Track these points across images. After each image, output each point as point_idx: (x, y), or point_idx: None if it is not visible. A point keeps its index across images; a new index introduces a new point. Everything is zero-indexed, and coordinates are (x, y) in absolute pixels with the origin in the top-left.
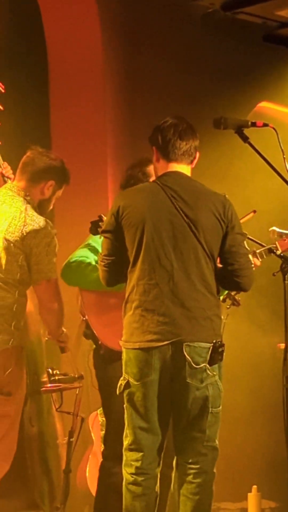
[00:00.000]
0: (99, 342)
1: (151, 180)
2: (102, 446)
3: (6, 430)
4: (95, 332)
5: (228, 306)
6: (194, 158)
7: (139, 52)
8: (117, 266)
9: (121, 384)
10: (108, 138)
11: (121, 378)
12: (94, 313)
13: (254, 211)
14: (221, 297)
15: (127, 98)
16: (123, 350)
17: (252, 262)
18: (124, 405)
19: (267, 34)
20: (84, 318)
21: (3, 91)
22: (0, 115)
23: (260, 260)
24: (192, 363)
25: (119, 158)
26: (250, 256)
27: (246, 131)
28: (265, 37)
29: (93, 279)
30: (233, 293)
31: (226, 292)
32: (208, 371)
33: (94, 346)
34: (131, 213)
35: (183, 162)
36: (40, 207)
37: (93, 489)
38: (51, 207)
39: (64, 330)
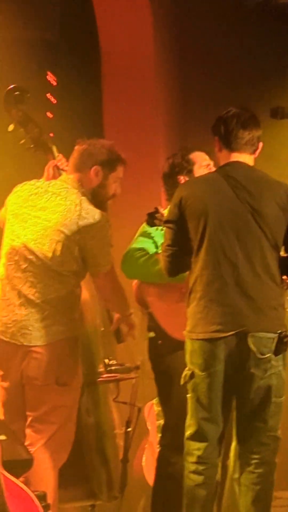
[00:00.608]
0: (163, 333)
1: (195, 167)
2: (159, 435)
3: (64, 421)
4: (160, 323)
5: None
6: (257, 148)
7: (192, 40)
8: (180, 256)
9: (185, 375)
10: (161, 128)
11: (186, 369)
12: (157, 305)
13: None
14: None
15: (180, 87)
16: (187, 340)
17: None
18: (188, 396)
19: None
20: (147, 311)
21: (55, 83)
22: (53, 108)
23: None
24: (257, 354)
25: (172, 148)
26: None
27: None
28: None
29: (156, 272)
30: None
31: None
32: (272, 361)
33: (150, 336)
34: (194, 203)
35: (246, 152)
36: (96, 196)
37: (149, 479)
38: (112, 192)
39: (132, 311)
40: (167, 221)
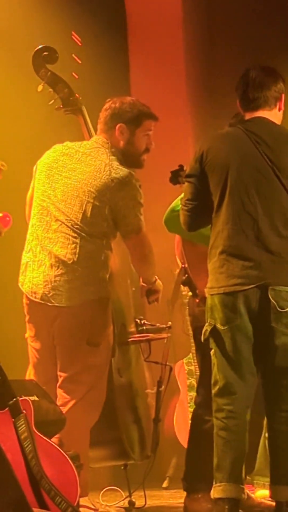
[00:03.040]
0: (196, 290)
1: None
2: (190, 394)
3: (95, 381)
4: (193, 279)
5: None
6: (279, 100)
7: (219, 15)
8: (200, 210)
9: (206, 330)
10: (187, 87)
11: (206, 324)
12: (192, 262)
13: None
14: None
15: (206, 47)
16: (208, 296)
17: None
18: (211, 351)
19: None
20: (183, 266)
21: (80, 44)
22: (78, 68)
23: None
24: (277, 307)
25: (199, 106)
26: None
27: None
28: None
29: (199, 232)
30: None
31: None
32: None
33: (190, 294)
34: (215, 158)
35: (264, 108)
36: (126, 154)
37: (180, 438)
38: (143, 147)
39: (157, 278)
40: (188, 175)
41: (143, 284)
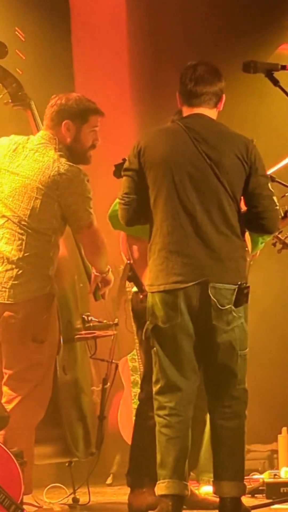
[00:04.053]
0: (142, 286)
1: None
2: (133, 390)
3: (40, 378)
4: (138, 275)
5: (278, 250)
6: (219, 100)
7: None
8: (137, 205)
9: (147, 329)
10: (131, 82)
11: (147, 323)
12: (138, 257)
13: None
14: (266, 239)
15: (149, 43)
16: (148, 295)
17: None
18: (153, 350)
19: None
20: (129, 262)
21: (23, 40)
22: (22, 64)
23: None
24: (218, 305)
25: (142, 101)
26: (275, 198)
27: (276, 75)
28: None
29: (143, 228)
30: (282, 236)
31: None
32: (233, 313)
33: (134, 290)
34: (153, 153)
35: (205, 105)
36: (73, 150)
37: (124, 434)
38: (89, 143)
39: (110, 268)
40: (125, 169)
41: (96, 274)
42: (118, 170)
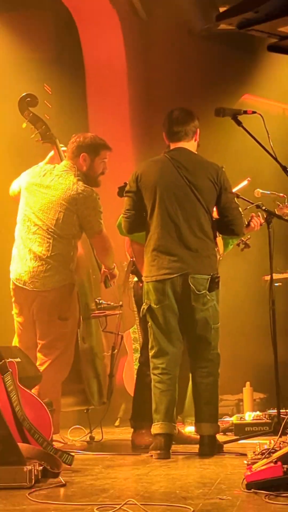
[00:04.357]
0: (142, 277)
1: None
2: (135, 355)
3: (65, 346)
4: (139, 269)
5: (241, 249)
6: (195, 134)
7: (156, 58)
8: (136, 218)
9: (143, 308)
10: (131, 125)
11: (143, 304)
12: (139, 256)
13: (249, 179)
14: (235, 242)
15: (144, 92)
16: (144, 283)
17: (256, 222)
18: (148, 324)
19: (270, 45)
20: (132, 259)
21: (49, 93)
22: (49, 111)
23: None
24: (196, 291)
25: (139, 137)
26: (240, 209)
27: (240, 118)
28: (269, 47)
29: (141, 235)
30: (244, 238)
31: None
32: (208, 297)
33: (135, 280)
34: (146, 179)
35: (184, 140)
36: (87, 176)
37: (128, 388)
38: (99, 171)
39: (115, 265)
40: (127, 191)
41: (105, 270)
42: (121, 191)
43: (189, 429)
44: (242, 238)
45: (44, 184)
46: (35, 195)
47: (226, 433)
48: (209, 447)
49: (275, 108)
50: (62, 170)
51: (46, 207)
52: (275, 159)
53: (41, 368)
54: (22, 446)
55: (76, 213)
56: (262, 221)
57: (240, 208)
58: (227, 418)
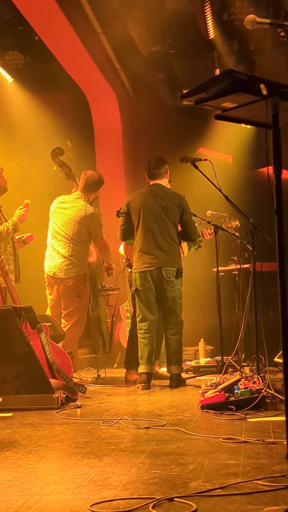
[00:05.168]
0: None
1: None
2: (128, 321)
3: (80, 314)
4: (131, 263)
5: (196, 249)
6: (166, 174)
7: (141, 126)
8: (127, 230)
9: (133, 289)
10: (124, 166)
11: (132, 288)
12: (130, 255)
13: (224, 214)
14: (194, 247)
15: (132, 143)
16: (133, 274)
17: (207, 232)
18: (136, 300)
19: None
20: (127, 257)
21: (70, 146)
22: (71, 159)
23: (210, 230)
24: (167, 278)
25: (129, 176)
26: (196, 224)
27: (197, 164)
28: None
29: (132, 240)
30: (195, 246)
31: (196, 245)
32: (175, 282)
33: (129, 271)
34: (134, 204)
35: (159, 178)
36: (92, 201)
37: (123, 342)
38: (95, 196)
39: (113, 261)
40: (121, 213)
41: (106, 264)
42: (118, 213)
43: (163, 370)
44: (200, 244)
45: (64, 207)
46: (58, 216)
47: (187, 372)
48: (176, 382)
49: (220, 157)
50: (75, 198)
51: (66, 223)
52: (220, 190)
53: (64, 329)
54: (52, 381)
55: (86, 226)
56: (212, 232)
57: (196, 224)
58: (188, 362)
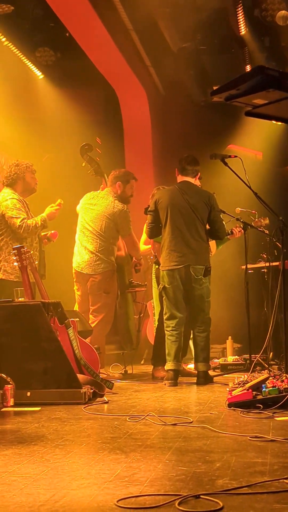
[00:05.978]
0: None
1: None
2: (155, 317)
3: (108, 310)
4: (159, 260)
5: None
6: (197, 174)
7: (170, 120)
8: (156, 227)
9: (160, 287)
10: (153, 164)
11: (160, 284)
12: (158, 252)
13: (254, 211)
14: (222, 243)
15: (161, 139)
16: (161, 271)
17: (236, 231)
18: (164, 298)
19: (247, 111)
20: (155, 254)
21: (100, 143)
22: (100, 155)
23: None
24: (195, 276)
25: (158, 172)
26: (224, 222)
27: (226, 160)
28: (246, 112)
29: (160, 238)
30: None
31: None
32: (203, 280)
33: (156, 267)
34: (162, 202)
35: (189, 176)
36: (121, 197)
37: (150, 339)
38: (129, 194)
39: (141, 257)
40: (149, 211)
41: (135, 260)
42: (145, 211)
43: (190, 367)
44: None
45: (92, 203)
46: (87, 211)
47: (215, 370)
48: (203, 379)
49: (250, 154)
50: (104, 194)
51: (94, 219)
52: (250, 187)
53: (92, 325)
54: (79, 376)
55: (114, 222)
56: (241, 230)
57: (224, 221)
58: (216, 360)
